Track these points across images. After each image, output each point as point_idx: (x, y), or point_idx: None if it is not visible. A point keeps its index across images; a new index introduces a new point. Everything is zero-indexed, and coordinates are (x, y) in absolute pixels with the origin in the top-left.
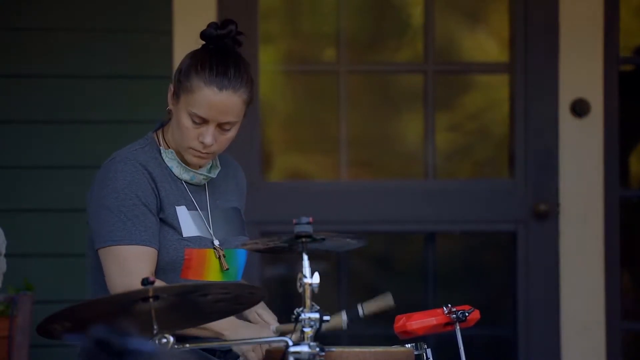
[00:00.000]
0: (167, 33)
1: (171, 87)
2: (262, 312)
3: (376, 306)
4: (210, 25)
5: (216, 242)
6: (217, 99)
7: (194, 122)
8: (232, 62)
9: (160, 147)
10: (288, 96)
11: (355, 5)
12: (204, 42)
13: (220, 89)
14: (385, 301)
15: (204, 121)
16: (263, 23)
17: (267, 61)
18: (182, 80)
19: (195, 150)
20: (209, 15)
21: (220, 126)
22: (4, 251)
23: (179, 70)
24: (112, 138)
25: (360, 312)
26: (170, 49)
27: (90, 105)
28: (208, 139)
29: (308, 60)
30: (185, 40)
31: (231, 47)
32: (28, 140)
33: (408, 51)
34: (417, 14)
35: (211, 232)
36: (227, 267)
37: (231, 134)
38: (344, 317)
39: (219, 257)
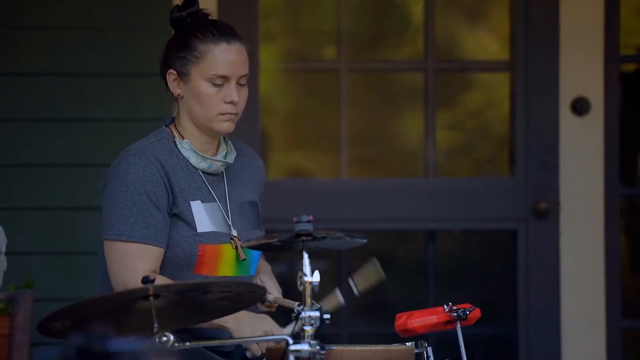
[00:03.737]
0: (167, 31)
1: (173, 72)
2: (265, 279)
3: (368, 282)
4: (174, 10)
5: (234, 232)
6: (231, 53)
7: (215, 85)
8: (222, 22)
9: (175, 139)
10: (288, 94)
11: (355, 3)
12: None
13: (229, 42)
14: (374, 273)
15: (225, 80)
16: (263, 21)
17: (268, 59)
18: (185, 56)
19: (224, 114)
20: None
21: (238, 81)
22: (4, 249)
23: (172, 53)
24: (112, 136)
25: (355, 291)
26: None
27: (91, 103)
28: (234, 96)
29: (308, 58)
30: None
31: (204, 20)
32: (28, 138)
33: (408, 49)
34: (417, 11)
35: (230, 222)
36: (244, 257)
37: (246, 89)
38: (339, 298)
39: (236, 247)
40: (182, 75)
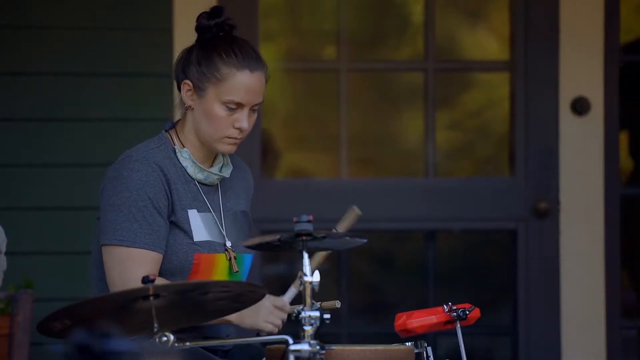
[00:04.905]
0: (167, 31)
1: (188, 84)
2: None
3: (347, 224)
4: (201, 17)
5: (228, 244)
6: (251, 82)
7: (228, 109)
8: (248, 45)
9: (175, 147)
10: (288, 94)
11: (355, 3)
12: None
13: (252, 71)
14: (352, 215)
15: (239, 106)
16: (263, 21)
17: (268, 59)
18: (205, 73)
19: (231, 137)
20: None
21: (251, 108)
22: (4, 249)
23: (192, 64)
24: (112, 136)
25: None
26: (170, 47)
27: (91, 103)
28: (245, 124)
29: (308, 58)
30: (186, 38)
31: (230, 32)
32: (28, 138)
33: (408, 49)
34: (417, 11)
35: (224, 233)
36: (237, 269)
37: (255, 115)
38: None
39: (230, 259)
40: (198, 90)
